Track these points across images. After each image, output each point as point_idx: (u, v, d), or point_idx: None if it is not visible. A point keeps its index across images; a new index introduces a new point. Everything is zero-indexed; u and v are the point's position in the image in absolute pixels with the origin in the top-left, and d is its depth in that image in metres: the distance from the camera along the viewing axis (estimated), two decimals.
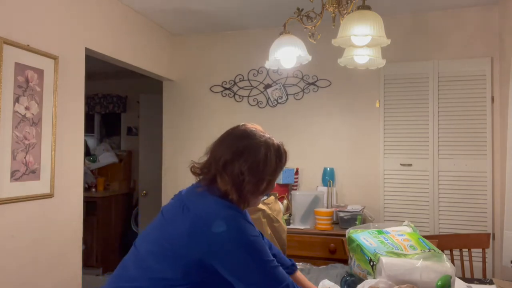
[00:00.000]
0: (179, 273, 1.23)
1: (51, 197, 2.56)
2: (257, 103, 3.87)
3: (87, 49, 2.90)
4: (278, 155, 1.35)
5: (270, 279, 1.22)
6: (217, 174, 1.31)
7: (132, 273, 1.30)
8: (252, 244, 1.23)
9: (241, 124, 1.42)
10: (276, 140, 1.39)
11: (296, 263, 2.14)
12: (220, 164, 1.30)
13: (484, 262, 2.43)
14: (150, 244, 1.32)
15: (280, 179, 3.46)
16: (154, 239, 1.32)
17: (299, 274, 1.63)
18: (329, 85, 3.68)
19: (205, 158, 1.41)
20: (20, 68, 2.33)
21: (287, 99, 3.78)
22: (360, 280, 1.60)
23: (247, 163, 1.28)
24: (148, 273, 1.26)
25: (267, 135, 1.38)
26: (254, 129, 1.39)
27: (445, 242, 2.44)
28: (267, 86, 3.83)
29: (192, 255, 1.22)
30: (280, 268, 1.27)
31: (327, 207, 3.29)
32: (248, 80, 3.89)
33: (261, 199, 1.45)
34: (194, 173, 1.42)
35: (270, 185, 1.35)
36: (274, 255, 1.58)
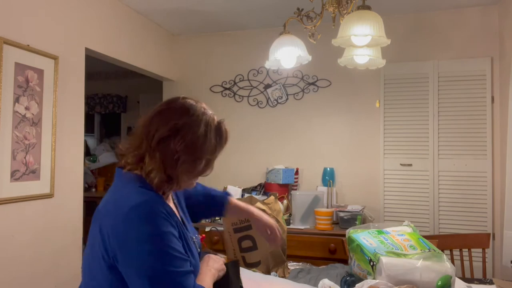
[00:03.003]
0: (108, 284, 1.11)
1: (51, 197, 2.56)
2: (257, 103, 3.87)
3: (87, 49, 2.91)
4: (218, 133, 1.22)
5: (173, 286, 1.07)
6: (146, 152, 1.15)
7: None
8: (159, 239, 1.07)
9: (180, 96, 1.24)
10: (217, 117, 1.25)
11: (296, 263, 2.14)
12: (154, 141, 1.14)
13: (484, 262, 2.43)
14: (84, 259, 1.22)
15: (280, 179, 3.46)
16: (86, 255, 1.21)
17: (233, 200, 1.60)
18: (329, 85, 3.68)
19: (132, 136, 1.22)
20: (20, 68, 2.33)
21: (287, 99, 3.78)
22: (360, 280, 1.60)
23: (184, 141, 1.14)
24: None
25: (208, 112, 1.23)
26: (194, 103, 1.22)
27: (445, 242, 2.44)
28: (267, 86, 3.83)
29: (107, 260, 1.09)
30: (187, 275, 1.10)
31: (327, 207, 3.29)
32: (248, 80, 3.89)
33: (195, 181, 1.26)
34: (120, 154, 1.24)
35: (208, 166, 1.22)
36: (208, 193, 1.56)
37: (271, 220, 1.61)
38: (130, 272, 1.07)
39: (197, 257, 1.26)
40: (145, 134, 1.17)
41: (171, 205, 1.27)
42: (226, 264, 1.35)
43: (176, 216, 1.21)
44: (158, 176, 1.14)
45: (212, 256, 1.35)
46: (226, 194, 1.61)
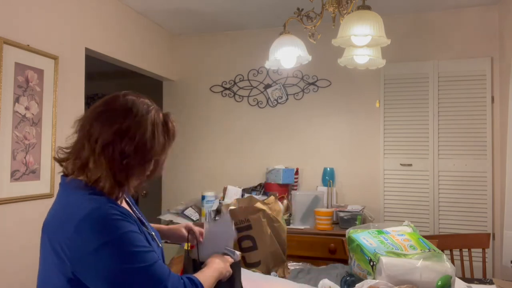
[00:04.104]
0: None
1: (51, 197, 2.56)
2: (257, 103, 3.87)
3: (87, 49, 2.91)
4: (165, 130, 1.15)
5: (146, 281, 1.02)
6: (90, 158, 1.07)
7: None
8: (120, 242, 1.02)
9: (120, 92, 1.16)
10: (162, 112, 1.17)
11: (296, 263, 2.14)
12: (98, 147, 1.06)
13: (484, 262, 2.43)
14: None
15: (280, 179, 3.46)
16: (39, 270, 1.16)
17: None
18: (329, 85, 3.68)
19: (73, 139, 1.14)
20: (20, 68, 2.33)
21: (287, 99, 3.78)
22: (360, 280, 1.60)
23: (131, 144, 1.06)
24: None
25: (152, 108, 1.14)
26: (136, 99, 1.13)
27: (445, 242, 2.44)
28: (267, 86, 3.83)
29: (66, 275, 1.03)
30: (157, 264, 1.06)
31: (327, 207, 3.29)
32: (248, 80, 3.89)
33: (145, 183, 1.18)
34: (59, 160, 1.15)
35: (158, 166, 1.16)
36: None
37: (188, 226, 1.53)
38: (99, 283, 1.02)
39: (159, 252, 1.22)
40: (87, 139, 1.08)
41: (125, 205, 1.23)
42: (230, 265, 1.35)
43: (133, 215, 1.16)
44: (108, 182, 1.07)
45: (220, 256, 1.34)
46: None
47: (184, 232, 1.51)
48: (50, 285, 1.08)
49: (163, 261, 1.26)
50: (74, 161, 1.10)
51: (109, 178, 1.07)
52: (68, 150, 1.14)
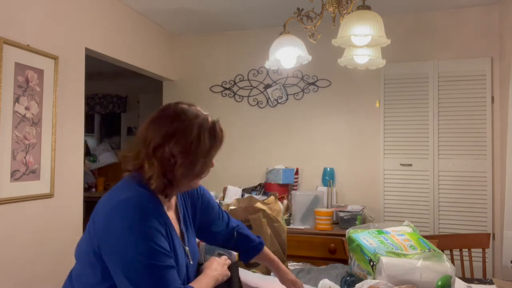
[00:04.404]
0: (99, 273, 1.14)
1: (51, 197, 2.56)
2: (257, 103, 3.87)
3: (87, 49, 2.90)
4: (212, 134, 1.23)
5: (153, 280, 1.08)
6: (145, 159, 1.19)
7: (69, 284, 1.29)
8: (143, 234, 1.09)
9: (173, 102, 1.28)
10: (212, 118, 1.27)
11: (296, 263, 2.14)
12: (150, 149, 1.18)
13: (484, 262, 2.43)
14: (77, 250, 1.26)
15: (280, 179, 3.46)
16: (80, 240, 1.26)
17: (266, 249, 1.59)
18: (329, 85, 3.68)
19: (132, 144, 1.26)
20: (20, 68, 2.33)
21: (287, 99, 3.78)
22: (360, 280, 1.60)
23: (178, 146, 1.17)
24: (78, 281, 1.23)
25: (201, 114, 1.24)
26: (186, 108, 1.24)
27: (445, 242, 2.44)
28: (267, 86, 3.83)
29: (93, 247, 1.14)
30: (170, 269, 1.12)
31: (327, 207, 3.29)
32: (248, 80, 3.89)
33: (198, 182, 1.29)
34: (122, 162, 1.27)
35: (205, 167, 1.25)
36: (235, 227, 1.52)
37: (294, 277, 1.59)
38: (112, 260, 1.11)
39: (184, 265, 1.24)
40: (142, 143, 1.21)
41: (172, 214, 1.29)
42: (228, 267, 1.34)
43: (169, 220, 1.22)
44: (158, 181, 1.17)
45: (217, 259, 1.34)
46: (261, 241, 1.58)
47: (291, 280, 1.56)
48: (84, 257, 1.19)
49: (190, 277, 1.28)
50: (133, 163, 1.23)
51: (160, 177, 1.17)
52: (128, 153, 1.25)
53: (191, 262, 1.30)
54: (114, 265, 1.10)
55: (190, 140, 1.19)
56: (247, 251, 1.54)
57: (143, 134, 1.22)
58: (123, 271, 1.08)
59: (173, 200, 1.33)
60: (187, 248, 1.29)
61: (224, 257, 1.36)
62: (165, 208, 1.25)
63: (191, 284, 1.20)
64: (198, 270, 1.31)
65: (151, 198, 1.18)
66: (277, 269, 1.58)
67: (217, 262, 1.32)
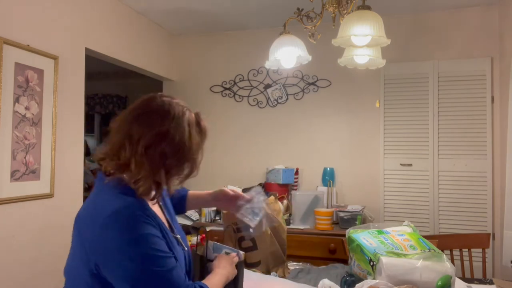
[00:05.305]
0: None
1: (51, 197, 2.56)
2: (257, 103, 3.87)
3: (87, 49, 2.91)
4: (199, 129, 1.20)
5: (163, 285, 1.07)
6: (131, 159, 1.11)
7: None
8: (141, 244, 1.06)
9: (153, 95, 1.20)
10: (193, 112, 1.22)
11: (296, 263, 2.14)
12: (140, 148, 1.10)
13: (484, 262, 2.43)
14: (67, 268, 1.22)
15: (280, 179, 3.46)
16: (68, 259, 1.22)
17: (192, 192, 1.60)
18: (329, 85, 3.68)
19: (110, 142, 1.17)
20: (20, 68, 2.33)
21: (287, 99, 3.78)
22: (360, 280, 1.60)
23: (172, 146, 1.12)
24: None
25: (186, 108, 1.19)
26: (171, 101, 1.18)
27: (445, 242, 2.44)
28: (267, 86, 3.83)
29: (89, 266, 1.08)
30: (174, 270, 1.10)
31: (327, 207, 3.29)
32: (248, 80, 3.89)
33: (183, 183, 1.24)
34: (99, 159, 1.18)
35: (195, 165, 1.20)
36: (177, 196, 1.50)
37: (233, 192, 1.56)
38: (117, 276, 1.07)
39: (182, 255, 1.24)
40: (128, 140, 1.12)
41: (156, 207, 1.26)
42: (235, 265, 1.35)
43: (159, 218, 1.19)
44: (147, 184, 1.11)
45: (225, 257, 1.34)
46: (183, 188, 1.56)
47: (228, 190, 1.54)
48: (76, 276, 1.14)
49: (190, 263, 1.28)
50: (112, 161, 1.14)
51: (149, 179, 1.11)
52: (107, 150, 1.17)
53: (186, 249, 1.29)
54: (121, 280, 1.06)
55: (184, 140, 1.14)
56: (179, 203, 1.55)
57: (126, 130, 1.13)
58: (132, 285, 1.05)
59: None
60: (178, 236, 1.27)
61: (232, 254, 1.36)
62: (150, 204, 1.19)
63: (204, 281, 1.20)
64: (207, 266, 1.31)
65: (140, 204, 1.12)
66: (214, 197, 1.56)
67: (227, 260, 1.32)
